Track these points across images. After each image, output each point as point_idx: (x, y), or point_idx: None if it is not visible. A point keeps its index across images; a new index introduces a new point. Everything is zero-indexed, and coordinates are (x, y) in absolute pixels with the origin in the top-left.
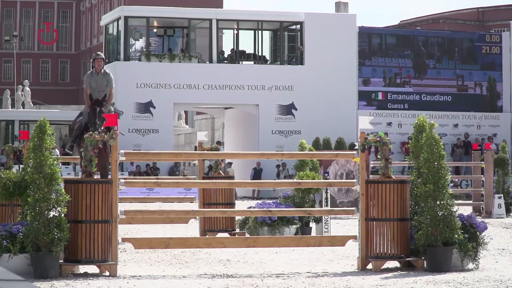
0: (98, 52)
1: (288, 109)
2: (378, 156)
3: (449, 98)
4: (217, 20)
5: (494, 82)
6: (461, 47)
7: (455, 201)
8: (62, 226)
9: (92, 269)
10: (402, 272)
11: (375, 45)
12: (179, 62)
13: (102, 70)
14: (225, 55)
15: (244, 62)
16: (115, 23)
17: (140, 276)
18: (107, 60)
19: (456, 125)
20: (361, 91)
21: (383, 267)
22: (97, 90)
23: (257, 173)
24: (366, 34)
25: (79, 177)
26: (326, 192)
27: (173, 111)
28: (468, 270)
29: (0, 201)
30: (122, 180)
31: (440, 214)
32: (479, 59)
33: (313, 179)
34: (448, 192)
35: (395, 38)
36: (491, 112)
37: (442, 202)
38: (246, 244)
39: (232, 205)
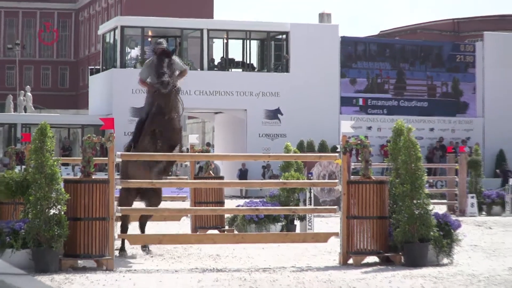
0: (159, 41)
1: (274, 114)
2: (359, 158)
3: (426, 104)
4: (208, 30)
5: (458, 82)
6: (436, 56)
7: (430, 200)
8: (62, 223)
9: (90, 263)
10: (381, 267)
11: (359, 52)
12: None
13: None
14: (215, 63)
15: (233, 70)
16: (112, 32)
17: (135, 270)
18: (103, 67)
19: (432, 129)
20: (343, 97)
21: (363, 262)
22: None
23: (242, 174)
24: (348, 43)
25: (78, 177)
26: (310, 192)
27: None
28: (443, 265)
29: (3, 200)
30: (118, 180)
31: (416, 212)
32: (448, 64)
33: (298, 179)
34: (424, 192)
35: (376, 46)
36: (464, 117)
37: (418, 201)
38: (235, 240)
39: (221, 203)
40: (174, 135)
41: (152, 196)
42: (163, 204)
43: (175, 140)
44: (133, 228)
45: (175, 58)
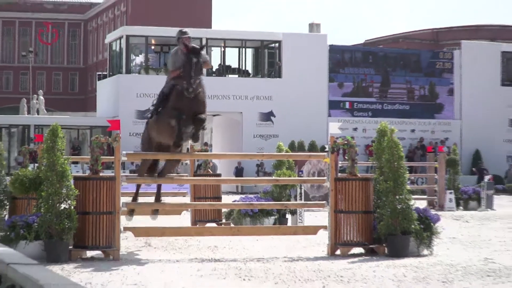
0: (184, 30)
1: (267, 116)
2: (346, 157)
3: (407, 107)
4: (207, 39)
5: (434, 85)
6: (415, 63)
7: (412, 196)
8: (71, 217)
9: (98, 254)
10: (366, 257)
11: (346, 59)
12: None
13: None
14: (213, 69)
15: (229, 75)
16: (118, 41)
17: (139, 260)
18: (110, 73)
19: (413, 130)
20: (331, 100)
21: (349, 253)
22: None
23: (238, 171)
24: (336, 51)
25: (87, 174)
26: (301, 188)
27: None
28: (423, 255)
29: (18, 195)
30: (124, 177)
31: (399, 207)
32: (425, 69)
33: (289, 176)
34: (406, 188)
35: (361, 53)
36: (442, 119)
37: (401, 197)
38: (231, 233)
39: (219, 198)
40: (200, 107)
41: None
42: (165, 199)
43: (201, 111)
44: (137, 221)
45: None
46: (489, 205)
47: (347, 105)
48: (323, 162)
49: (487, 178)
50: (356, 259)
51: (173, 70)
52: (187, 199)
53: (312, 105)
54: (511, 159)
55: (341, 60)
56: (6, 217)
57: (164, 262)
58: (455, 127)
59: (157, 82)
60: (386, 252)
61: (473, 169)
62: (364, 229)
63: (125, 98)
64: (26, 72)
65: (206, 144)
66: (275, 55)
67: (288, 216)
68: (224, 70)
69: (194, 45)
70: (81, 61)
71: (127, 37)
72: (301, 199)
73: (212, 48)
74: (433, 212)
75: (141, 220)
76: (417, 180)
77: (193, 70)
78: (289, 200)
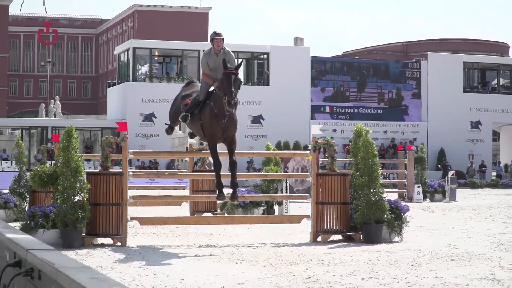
0: (218, 32)
1: (257, 119)
2: (326, 155)
3: (380, 111)
4: (204, 51)
5: (400, 90)
6: (384, 71)
7: (384, 189)
8: (84, 208)
9: (107, 240)
10: (344, 243)
11: (326, 68)
12: (175, 82)
13: (221, 50)
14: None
15: None
16: (126, 53)
17: (144, 245)
18: (119, 81)
19: (385, 132)
20: (313, 105)
21: (329, 239)
22: (215, 70)
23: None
24: (317, 62)
25: (98, 170)
26: (286, 182)
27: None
28: (395, 242)
29: (37, 189)
30: (131, 173)
31: (373, 199)
32: (392, 77)
33: (276, 172)
34: (379, 183)
35: (340, 63)
36: (411, 121)
37: (374, 190)
38: (225, 222)
39: (214, 192)
40: (233, 128)
41: (229, 130)
42: (167, 192)
43: (233, 132)
44: (143, 212)
45: (231, 53)
46: (453, 198)
47: (327, 109)
48: (306, 159)
49: (450, 173)
50: (335, 245)
51: (204, 71)
52: (186, 192)
53: (296, 109)
54: (471, 157)
55: (323, 69)
56: (26, 208)
57: (166, 247)
58: (422, 128)
59: (159, 89)
60: (361, 238)
61: (438, 165)
62: (342, 219)
63: (132, 103)
64: (44, 80)
65: (202, 143)
66: (264, 65)
67: (275, 207)
68: None
69: (231, 68)
70: (93, 70)
71: (134, 49)
72: (286, 192)
73: None
74: (403, 203)
75: (146, 210)
76: (389, 175)
77: (233, 85)
78: (276, 192)
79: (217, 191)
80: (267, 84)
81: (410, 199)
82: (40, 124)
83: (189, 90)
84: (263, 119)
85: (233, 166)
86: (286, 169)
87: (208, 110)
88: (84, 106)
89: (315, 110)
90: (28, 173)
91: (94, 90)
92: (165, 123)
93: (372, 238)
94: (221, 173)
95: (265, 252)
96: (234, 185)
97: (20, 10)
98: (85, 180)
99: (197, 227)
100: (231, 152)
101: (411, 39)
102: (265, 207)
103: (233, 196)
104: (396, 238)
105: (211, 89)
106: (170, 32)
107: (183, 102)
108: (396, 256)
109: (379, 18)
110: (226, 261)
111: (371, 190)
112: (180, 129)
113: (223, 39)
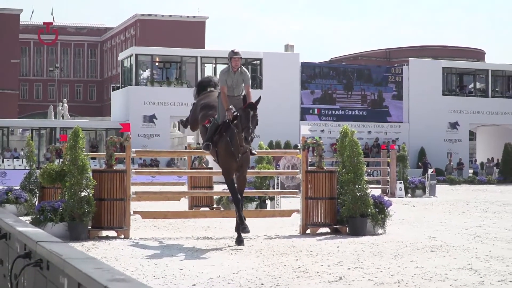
0: (236, 50)
1: None
2: (314, 154)
3: (365, 113)
4: (201, 57)
5: (381, 92)
6: (367, 75)
7: (368, 185)
8: (90, 203)
9: (112, 233)
10: (331, 236)
11: (315, 73)
12: (174, 86)
13: (239, 69)
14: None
15: None
16: (129, 59)
17: (146, 238)
18: (122, 85)
19: (369, 132)
20: (303, 107)
21: (318, 232)
22: (233, 87)
23: None
24: (306, 67)
25: (103, 168)
26: (278, 179)
27: (169, 122)
28: (378, 234)
29: (46, 185)
30: (133, 170)
31: (358, 194)
32: (375, 80)
33: (268, 169)
34: (364, 179)
35: (327, 69)
36: (393, 122)
37: (359, 186)
38: (221, 215)
39: (211, 188)
40: (246, 165)
41: (243, 167)
42: (167, 188)
43: (246, 169)
44: (144, 206)
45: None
46: (432, 193)
47: (316, 111)
48: (296, 158)
49: (430, 170)
50: (323, 237)
51: (223, 88)
52: (185, 188)
53: (287, 111)
54: (450, 155)
55: (312, 74)
56: (36, 203)
57: (166, 239)
58: (404, 129)
59: (160, 93)
60: (347, 231)
61: (419, 163)
62: (329, 213)
63: (134, 105)
64: (53, 84)
65: (198, 143)
66: (257, 70)
67: (268, 202)
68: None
69: (251, 103)
70: (98, 75)
71: (136, 55)
72: (278, 188)
73: (206, 65)
74: (386, 198)
75: (148, 205)
76: (373, 173)
77: (251, 121)
78: (268, 188)
79: (241, 224)
80: (260, 87)
81: (393, 195)
82: (49, 125)
83: (206, 100)
84: None
85: (238, 202)
86: (277, 166)
87: (225, 144)
88: (90, 108)
89: (305, 112)
90: (38, 170)
91: (99, 94)
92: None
93: (357, 231)
94: (216, 170)
95: (258, 243)
96: (241, 218)
97: (30, 19)
98: (91, 177)
99: (195, 221)
100: (240, 191)
101: (394, 46)
102: (258, 202)
103: (244, 228)
104: (380, 231)
105: (226, 117)
106: (169, 40)
107: (201, 113)
108: (380, 247)
109: (364, 26)
110: (222, 252)
111: (356, 186)
112: (179, 130)
113: (241, 57)
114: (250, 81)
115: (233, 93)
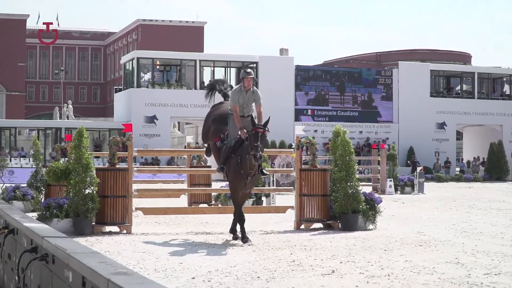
0: (249, 70)
1: None
2: (308, 153)
3: (356, 113)
4: (200, 60)
5: (371, 93)
6: (358, 78)
7: (360, 183)
8: (94, 200)
9: (115, 229)
10: (324, 231)
11: (309, 75)
12: (174, 88)
13: (251, 88)
14: (205, 84)
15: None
16: (131, 62)
17: (147, 233)
18: (124, 87)
19: (361, 132)
20: (297, 109)
21: (311, 227)
22: (243, 107)
23: None
24: (301, 70)
25: (106, 166)
26: (273, 177)
27: (170, 122)
28: (369, 229)
29: (52, 183)
30: (135, 169)
31: (350, 191)
32: (365, 82)
33: (264, 167)
34: (355, 177)
35: (321, 71)
36: (383, 122)
37: (351, 183)
38: (219, 212)
39: (209, 185)
40: (252, 186)
41: (250, 188)
42: (168, 186)
43: (252, 189)
44: (146, 203)
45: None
46: (421, 190)
47: (309, 112)
48: (291, 157)
49: (419, 169)
50: (316, 232)
51: (234, 106)
52: (184, 185)
53: (282, 112)
54: (437, 154)
55: (306, 76)
56: (42, 200)
57: (167, 234)
58: (393, 129)
59: (161, 94)
60: (340, 226)
61: (408, 162)
62: (322, 209)
63: (136, 106)
64: (58, 86)
65: (197, 143)
66: (253, 73)
67: (263, 198)
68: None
69: (259, 125)
70: (101, 77)
71: (138, 59)
72: (273, 185)
73: (204, 68)
74: (376, 195)
75: (149, 202)
76: (364, 171)
77: (260, 140)
78: (264, 186)
79: (242, 238)
80: None
81: (383, 192)
82: (55, 126)
83: (218, 112)
84: None
85: (241, 220)
86: (273, 165)
87: (234, 165)
88: (94, 109)
89: (299, 113)
90: (44, 169)
91: (102, 95)
92: (204, 145)
93: (349, 226)
94: (215, 168)
95: (254, 238)
96: (244, 233)
97: (37, 23)
98: (95, 175)
99: (194, 217)
100: (241, 203)
101: (384, 50)
102: (254, 199)
103: (245, 239)
104: (371, 226)
105: (240, 135)
106: (170, 44)
107: (213, 127)
108: (371, 242)
109: (355, 31)
110: (220, 247)
111: (348, 184)
112: (179, 130)
113: (253, 78)
114: (261, 100)
115: (242, 113)
